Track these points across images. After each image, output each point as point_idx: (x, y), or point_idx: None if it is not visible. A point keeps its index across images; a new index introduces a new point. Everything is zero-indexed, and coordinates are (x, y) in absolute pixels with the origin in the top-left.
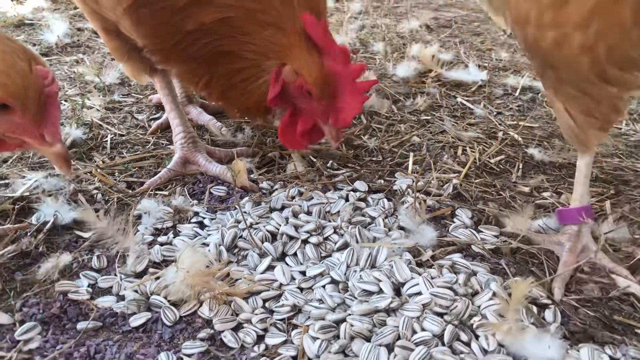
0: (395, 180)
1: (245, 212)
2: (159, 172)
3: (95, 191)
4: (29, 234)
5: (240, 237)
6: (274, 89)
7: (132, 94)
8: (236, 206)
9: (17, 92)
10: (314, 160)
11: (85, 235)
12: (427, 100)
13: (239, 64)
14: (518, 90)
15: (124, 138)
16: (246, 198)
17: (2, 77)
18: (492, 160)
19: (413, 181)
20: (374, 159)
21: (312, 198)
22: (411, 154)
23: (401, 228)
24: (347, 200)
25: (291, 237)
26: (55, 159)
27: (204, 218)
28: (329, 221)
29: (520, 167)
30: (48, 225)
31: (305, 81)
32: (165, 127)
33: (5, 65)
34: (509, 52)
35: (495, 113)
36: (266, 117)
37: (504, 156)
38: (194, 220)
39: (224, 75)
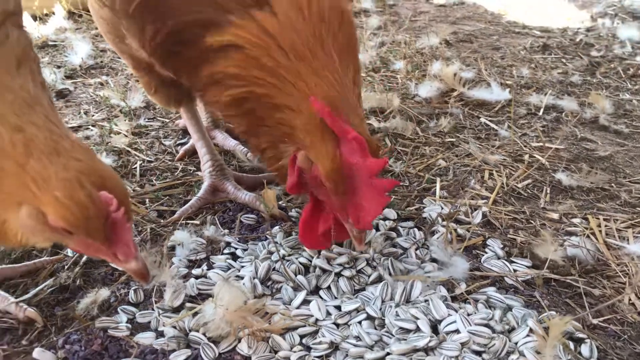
0: (424, 207)
1: (277, 243)
2: (189, 200)
3: None
4: (65, 267)
5: (274, 269)
6: (291, 176)
7: (158, 118)
8: (268, 236)
9: (78, 223)
10: None
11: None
12: (450, 122)
13: (261, 143)
14: (542, 110)
15: (152, 164)
16: (277, 228)
17: (61, 210)
18: (520, 185)
19: (442, 209)
20: (402, 184)
21: None
22: (438, 179)
23: (433, 260)
24: (377, 229)
25: (324, 270)
26: (131, 274)
27: (236, 249)
28: (361, 252)
29: (548, 191)
30: (84, 258)
31: (319, 172)
32: (192, 153)
33: (65, 195)
34: (530, 68)
35: (519, 134)
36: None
37: (531, 180)
38: (226, 251)
39: (256, 146)
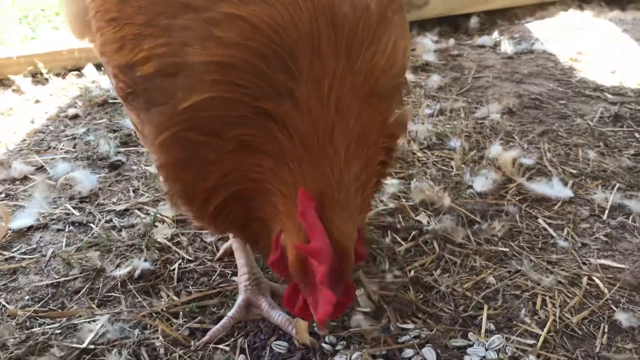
0: (467, 346)
1: None
2: (222, 316)
3: (158, 343)
4: None
5: None
6: (273, 253)
7: None
8: None
9: None
10: (385, 307)
11: None
12: (505, 224)
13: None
14: (606, 212)
15: (191, 266)
16: None
17: None
18: (574, 320)
19: (486, 352)
20: (446, 307)
21: None
22: (485, 306)
23: None
24: None
25: None
26: None
27: None
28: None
29: (606, 330)
30: None
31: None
32: (232, 253)
33: None
34: (597, 150)
35: (579, 245)
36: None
37: (587, 313)
38: None
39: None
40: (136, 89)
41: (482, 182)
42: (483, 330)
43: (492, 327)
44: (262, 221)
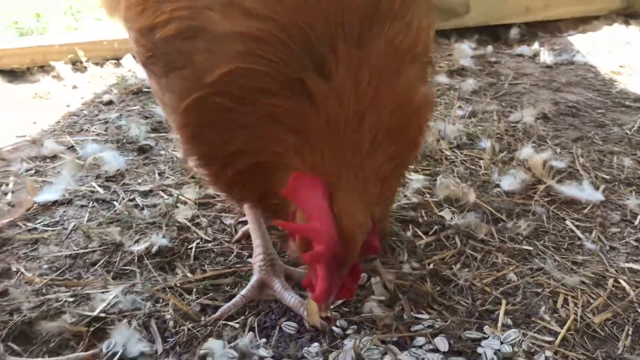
0: (482, 339)
1: None
2: (235, 294)
3: (168, 316)
4: None
5: None
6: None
7: None
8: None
9: None
10: (400, 296)
11: None
12: (531, 224)
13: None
14: (639, 217)
15: (209, 245)
16: (316, 345)
17: None
18: (596, 320)
19: (501, 345)
20: (463, 300)
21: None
22: (503, 301)
23: None
24: None
25: None
26: None
27: None
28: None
29: (630, 333)
30: (116, 358)
31: None
32: (249, 236)
33: None
34: (633, 157)
35: (607, 248)
36: None
37: (611, 314)
38: None
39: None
40: (156, 52)
41: (510, 182)
42: (499, 324)
43: (510, 322)
44: (279, 197)
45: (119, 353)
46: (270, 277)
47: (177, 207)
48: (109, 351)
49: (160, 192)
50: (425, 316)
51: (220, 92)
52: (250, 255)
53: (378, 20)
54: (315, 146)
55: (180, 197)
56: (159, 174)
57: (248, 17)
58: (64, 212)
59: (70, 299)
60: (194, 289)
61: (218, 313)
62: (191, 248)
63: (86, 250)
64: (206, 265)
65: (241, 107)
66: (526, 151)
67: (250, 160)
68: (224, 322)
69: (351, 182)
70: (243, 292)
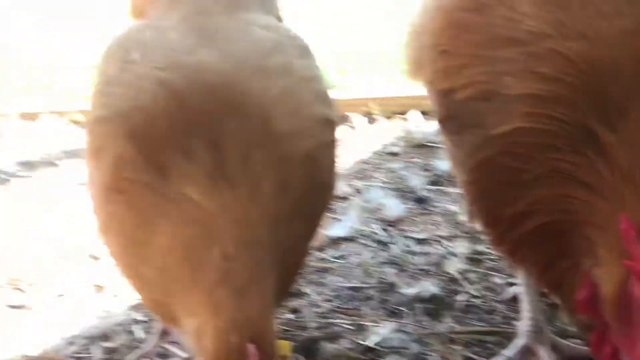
0: None
1: None
2: (495, 354)
3: None
4: None
5: None
6: (579, 293)
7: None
8: None
9: None
10: None
11: None
12: None
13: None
14: None
15: (476, 302)
16: None
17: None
18: None
19: None
20: None
21: None
22: None
23: None
24: None
25: None
26: None
27: None
28: None
29: None
30: None
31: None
32: (515, 298)
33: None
34: None
35: None
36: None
37: None
38: None
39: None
40: (452, 111)
41: None
42: None
43: None
44: (571, 258)
45: None
46: (536, 344)
47: (447, 258)
48: None
49: (433, 241)
50: None
51: (505, 152)
52: (515, 318)
53: None
54: (610, 197)
55: (452, 249)
56: (434, 224)
57: (540, 80)
58: (349, 247)
59: (349, 327)
60: (458, 340)
61: None
62: (459, 300)
63: (365, 285)
64: (472, 320)
65: (524, 165)
66: None
67: (537, 222)
68: None
69: None
70: (508, 352)
